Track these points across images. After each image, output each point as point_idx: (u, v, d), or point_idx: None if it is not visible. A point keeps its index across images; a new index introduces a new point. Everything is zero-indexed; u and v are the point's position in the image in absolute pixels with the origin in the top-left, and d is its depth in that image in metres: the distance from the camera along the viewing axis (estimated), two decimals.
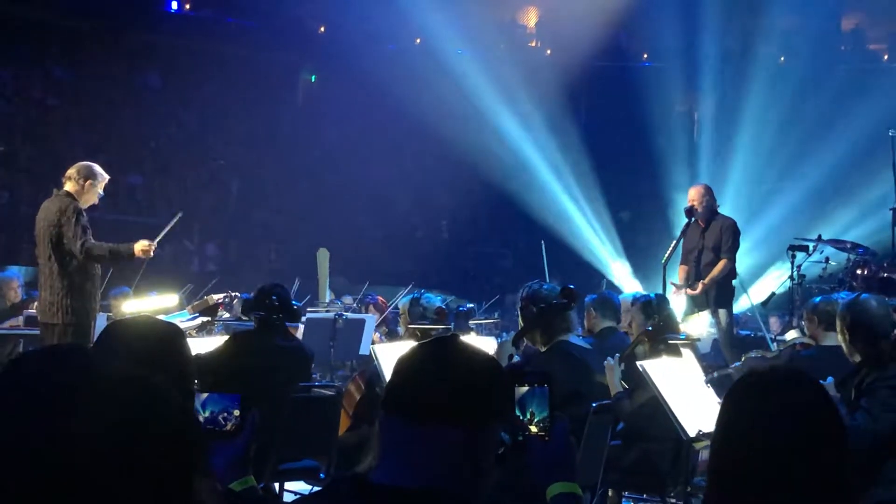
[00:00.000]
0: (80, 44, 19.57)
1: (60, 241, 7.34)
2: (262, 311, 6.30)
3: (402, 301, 7.89)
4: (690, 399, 5.39)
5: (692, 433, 5.14)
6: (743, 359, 6.68)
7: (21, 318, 9.60)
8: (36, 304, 8.35)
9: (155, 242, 7.65)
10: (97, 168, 7.62)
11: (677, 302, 9.31)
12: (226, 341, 6.35)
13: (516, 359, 5.72)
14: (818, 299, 6.04)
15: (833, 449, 2.15)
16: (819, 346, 5.77)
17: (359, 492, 1.95)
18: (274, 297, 6.29)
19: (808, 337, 6.05)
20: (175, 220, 8.01)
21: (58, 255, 7.36)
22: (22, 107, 18.71)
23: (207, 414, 2.24)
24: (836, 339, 5.07)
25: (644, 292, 7.43)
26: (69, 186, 7.49)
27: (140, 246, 7.55)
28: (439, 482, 1.95)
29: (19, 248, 14.15)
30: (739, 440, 2.16)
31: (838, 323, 4.98)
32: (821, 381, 4.51)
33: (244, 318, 7.31)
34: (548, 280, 7.22)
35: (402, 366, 2.08)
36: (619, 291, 11.54)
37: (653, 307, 6.68)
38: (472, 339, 7.44)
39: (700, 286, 9.42)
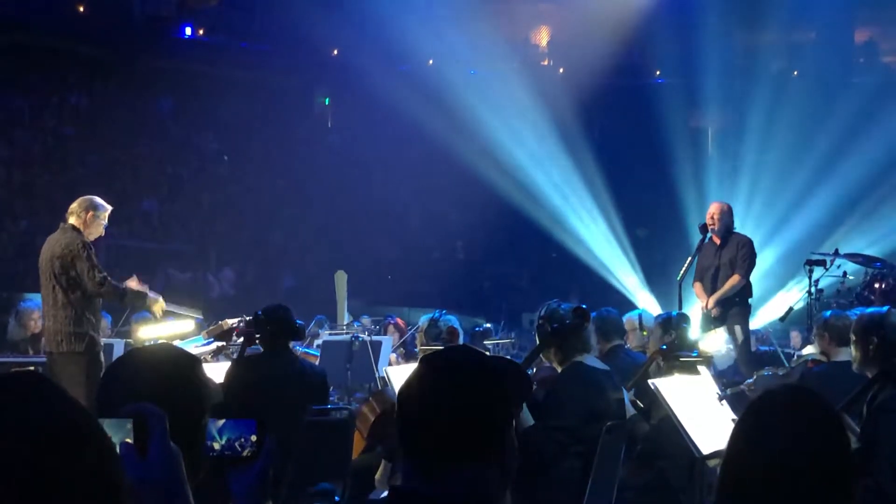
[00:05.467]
0: (96, 71, 19.75)
1: (64, 272, 7.38)
2: (264, 335, 6.29)
3: (422, 320, 7.88)
4: (705, 416, 5.35)
5: (706, 451, 5.11)
6: (755, 376, 6.64)
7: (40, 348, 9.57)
8: None
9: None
10: (98, 200, 7.67)
11: (694, 319, 9.28)
12: (229, 367, 6.33)
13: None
14: (828, 314, 5.98)
15: (836, 471, 2.16)
16: (830, 362, 5.72)
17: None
18: (275, 321, 6.25)
19: (821, 353, 6.00)
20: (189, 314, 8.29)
21: (60, 286, 7.40)
22: (39, 135, 18.84)
23: (224, 441, 2.25)
24: (848, 354, 5.02)
25: (644, 310, 7.32)
26: (73, 220, 7.52)
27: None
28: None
29: (37, 277, 14.25)
30: (748, 459, 2.20)
31: (853, 337, 4.93)
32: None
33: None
34: None
35: (407, 403, 2.11)
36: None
37: (672, 325, 6.66)
38: None
39: (711, 301, 9.42)
